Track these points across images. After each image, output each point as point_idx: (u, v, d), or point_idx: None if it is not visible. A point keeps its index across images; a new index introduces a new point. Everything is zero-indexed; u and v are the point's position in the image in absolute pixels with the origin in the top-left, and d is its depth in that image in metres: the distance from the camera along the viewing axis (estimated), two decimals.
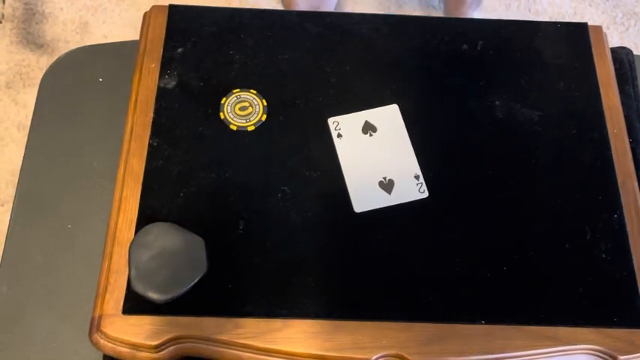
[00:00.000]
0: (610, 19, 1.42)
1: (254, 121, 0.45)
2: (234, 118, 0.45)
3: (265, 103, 0.45)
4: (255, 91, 0.45)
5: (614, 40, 1.39)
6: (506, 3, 1.42)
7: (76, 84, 0.51)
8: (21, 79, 1.29)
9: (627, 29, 1.40)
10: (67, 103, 0.50)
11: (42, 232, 0.46)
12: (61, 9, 1.35)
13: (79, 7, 1.35)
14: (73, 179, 0.47)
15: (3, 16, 1.35)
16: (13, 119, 1.23)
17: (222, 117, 0.45)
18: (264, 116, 0.45)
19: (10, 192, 1.08)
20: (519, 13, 1.42)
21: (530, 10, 1.43)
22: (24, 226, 0.46)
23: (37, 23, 1.35)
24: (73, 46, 1.33)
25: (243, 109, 0.45)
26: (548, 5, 1.43)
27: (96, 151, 0.48)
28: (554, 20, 1.43)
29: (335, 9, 1.14)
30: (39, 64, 1.32)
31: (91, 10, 1.36)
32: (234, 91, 0.45)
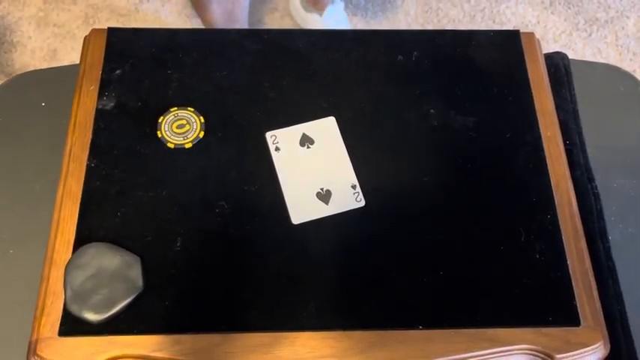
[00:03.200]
0: (572, 26, 1.45)
1: (191, 139, 0.45)
2: (172, 136, 0.45)
3: (203, 120, 0.46)
4: (192, 109, 0.46)
5: (577, 47, 1.42)
6: (470, 14, 1.45)
7: (19, 109, 0.51)
8: None
9: (590, 35, 1.43)
10: (9, 127, 0.51)
11: None
12: (30, 37, 1.36)
13: (47, 35, 1.36)
14: (15, 204, 0.47)
15: None
16: None
17: (159, 135, 0.45)
18: (202, 133, 0.46)
19: None
20: (484, 23, 1.45)
21: (494, 21, 1.45)
22: None
23: (5, 52, 1.35)
24: None
25: (180, 127, 0.45)
26: (512, 15, 1.46)
27: (38, 175, 0.48)
28: (517, 29, 1.45)
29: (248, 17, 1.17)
30: None
31: (59, 37, 1.37)
32: (172, 109, 0.46)
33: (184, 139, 0.45)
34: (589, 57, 1.39)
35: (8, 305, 0.44)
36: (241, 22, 1.15)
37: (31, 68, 1.33)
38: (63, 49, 1.35)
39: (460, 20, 1.44)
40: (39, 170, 0.49)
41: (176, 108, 0.46)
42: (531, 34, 0.52)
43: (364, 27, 1.40)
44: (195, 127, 0.46)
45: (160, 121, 0.45)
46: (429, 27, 1.40)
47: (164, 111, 0.46)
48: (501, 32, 0.52)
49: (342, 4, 1.27)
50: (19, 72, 1.34)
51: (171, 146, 0.45)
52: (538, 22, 1.44)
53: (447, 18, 1.44)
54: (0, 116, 0.51)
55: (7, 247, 0.46)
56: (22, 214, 0.47)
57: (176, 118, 0.46)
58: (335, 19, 1.25)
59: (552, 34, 1.43)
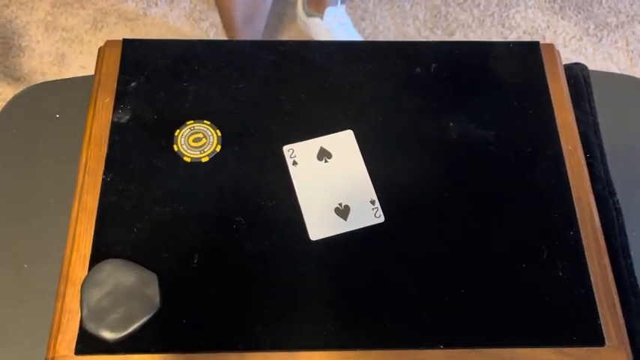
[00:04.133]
0: (583, 31, 1.44)
1: (208, 152, 0.45)
2: (188, 150, 0.45)
3: (219, 134, 0.45)
4: (208, 122, 0.45)
5: (588, 52, 1.41)
6: (479, 19, 1.44)
7: (33, 120, 0.51)
8: None
9: (600, 40, 1.42)
10: (23, 140, 0.50)
11: None
12: (38, 41, 1.36)
13: (55, 39, 1.36)
14: (30, 217, 0.47)
15: None
16: None
17: (175, 149, 0.45)
18: (219, 147, 0.45)
19: None
20: (493, 28, 1.44)
21: (503, 25, 1.44)
22: None
23: (13, 57, 1.35)
24: (50, 78, 1.34)
25: (197, 141, 0.45)
26: (522, 20, 1.45)
27: (52, 188, 0.48)
28: (527, 35, 1.44)
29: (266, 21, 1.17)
30: None
31: (68, 41, 1.36)
32: (188, 122, 0.45)
33: (201, 153, 0.45)
34: (599, 62, 1.38)
35: (22, 321, 0.44)
36: (259, 28, 1.15)
37: (39, 73, 1.33)
38: (71, 53, 1.34)
39: (469, 25, 1.43)
40: (53, 183, 0.48)
41: (192, 121, 0.45)
42: (551, 46, 0.51)
43: (372, 31, 1.39)
44: (211, 140, 0.45)
45: (176, 134, 0.45)
46: (439, 32, 1.39)
47: (180, 124, 0.46)
48: (521, 44, 0.51)
49: (343, 6, 1.26)
50: (28, 76, 1.34)
51: (188, 160, 0.45)
52: (548, 27, 1.43)
53: (456, 22, 1.43)
54: (14, 128, 0.51)
55: (21, 262, 0.45)
56: (36, 228, 0.47)
57: (192, 132, 0.45)
58: (337, 20, 1.25)
59: (562, 39, 1.42)
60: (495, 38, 1.42)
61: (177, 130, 0.45)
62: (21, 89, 1.43)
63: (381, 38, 1.36)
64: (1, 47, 1.37)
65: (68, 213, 0.45)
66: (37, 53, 1.35)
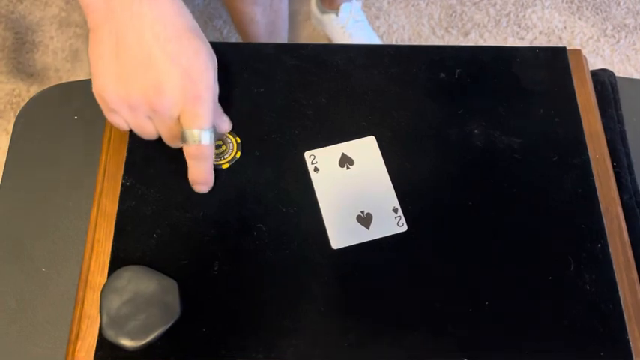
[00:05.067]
0: (600, 32, 1.42)
1: (228, 159, 0.44)
2: None
3: (239, 141, 0.45)
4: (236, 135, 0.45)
5: (605, 53, 1.39)
6: (495, 19, 1.42)
7: (52, 122, 0.51)
8: (12, 108, 1.29)
9: (618, 41, 1.40)
10: (41, 142, 0.50)
11: (15, 275, 0.45)
12: (52, 37, 1.36)
13: (69, 36, 1.36)
14: (48, 220, 0.47)
15: None
16: (4, 149, 1.22)
17: None
18: (239, 154, 0.44)
19: None
20: (509, 28, 1.42)
21: (520, 26, 1.43)
22: None
23: (27, 52, 1.35)
24: (63, 74, 1.34)
25: (216, 148, 0.44)
26: (538, 20, 1.43)
27: (71, 192, 0.47)
28: (543, 36, 1.42)
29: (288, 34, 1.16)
30: (29, 93, 1.32)
31: (81, 37, 1.36)
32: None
33: (221, 160, 0.44)
34: (617, 64, 1.36)
35: (40, 324, 0.44)
36: (282, 36, 1.14)
37: (53, 69, 1.33)
38: (85, 50, 1.34)
39: (485, 25, 1.41)
40: (72, 186, 0.48)
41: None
42: (578, 52, 0.50)
43: (386, 30, 1.38)
44: (231, 147, 0.44)
45: None
46: (454, 32, 1.38)
47: None
48: (547, 49, 0.50)
49: (358, 3, 1.25)
50: (41, 72, 1.34)
51: None
52: (565, 28, 1.42)
53: (472, 22, 1.41)
54: (32, 129, 0.50)
55: (39, 265, 0.45)
56: (54, 231, 0.46)
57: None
58: (352, 17, 1.24)
59: (579, 39, 1.40)
60: (511, 39, 1.41)
61: None
62: (34, 85, 1.43)
63: (395, 37, 1.35)
64: (14, 43, 1.37)
65: (87, 216, 0.45)
66: (51, 49, 1.35)
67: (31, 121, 0.51)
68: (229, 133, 0.44)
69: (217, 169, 0.44)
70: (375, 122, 0.46)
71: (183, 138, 0.41)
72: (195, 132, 0.40)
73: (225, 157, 0.44)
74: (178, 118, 0.40)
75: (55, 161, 0.49)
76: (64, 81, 1.25)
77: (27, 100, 1.34)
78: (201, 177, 0.42)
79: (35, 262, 0.45)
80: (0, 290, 0.44)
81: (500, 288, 0.41)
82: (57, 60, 1.35)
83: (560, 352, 0.39)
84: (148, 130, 0.42)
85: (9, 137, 1.27)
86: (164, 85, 0.39)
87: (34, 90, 1.30)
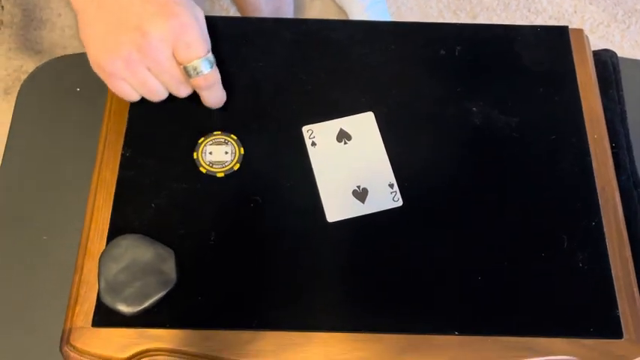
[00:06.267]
0: (611, 17, 1.40)
1: (225, 169, 0.43)
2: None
3: (242, 152, 0.44)
4: (235, 137, 0.44)
5: (615, 39, 1.38)
6: (504, 2, 1.41)
7: (54, 94, 0.51)
8: (20, 85, 1.30)
9: (628, 27, 1.38)
10: (44, 113, 0.51)
11: (17, 243, 0.46)
12: (59, 15, 1.36)
13: None
14: (49, 190, 0.47)
15: (2, 22, 1.36)
16: None
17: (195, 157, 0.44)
18: (237, 165, 0.44)
19: None
20: (518, 12, 1.41)
21: (529, 10, 1.41)
22: None
23: (35, 29, 1.36)
24: (70, 51, 1.34)
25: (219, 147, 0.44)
26: (548, 4, 1.42)
27: (72, 162, 0.48)
28: (553, 20, 1.41)
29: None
30: None
31: None
32: (216, 133, 0.44)
33: (222, 167, 0.43)
34: (627, 50, 1.35)
35: (40, 291, 0.45)
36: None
37: (60, 46, 1.34)
38: None
39: (494, 8, 1.40)
40: (73, 156, 0.48)
41: (219, 132, 0.44)
42: (580, 31, 0.50)
43: (395, 12, 1.37)
44: (232, 157, 0.44)
45: (200, 142, 0.44)
46: (462, 14, 1.37)
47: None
48: (548, 28, 0.50)
49: None
50: (49, 49, 1.34)
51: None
52: (575, 12, 1.40)
53: (481, 5, 1.40)
54: (35, 101, 0.51)
55: (40, 234, 0.46)
56: (55, 201, 0.47)
57: (214, 142, 0.44)
58: None
59: (590, 24, 1.39)
60: (520, 22, 1.39)
61: (202, 138, 0.44)
62: (41, 62, 1.43)
63: (402, 19, 1.34)
64: (22, 20, 1.37)
65: (87, 186, 0.45)
66: (58, 26, 1.35)
67: (34, 92, 0.51)
68: (234, 141, 0.44)
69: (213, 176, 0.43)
70: (373, 98, 0.46)
71: (187, 74, 0.41)
72: (195, 62, 0.41)
73: (225, 165, 0.43)
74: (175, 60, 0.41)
75: (57, 132, 0.50)
76: None
77: None
78: (216, 101, 0.44)
79: (36, 230, 0.46)
80: (1, 258, 0.45)
81: (492, 264, 0.41)
82: (64, 37, 1.35)
83: (551, 328, 0.39)
84: (152, 86, 0.42)
85: None
86: (146, 24, 0.39)
87: None
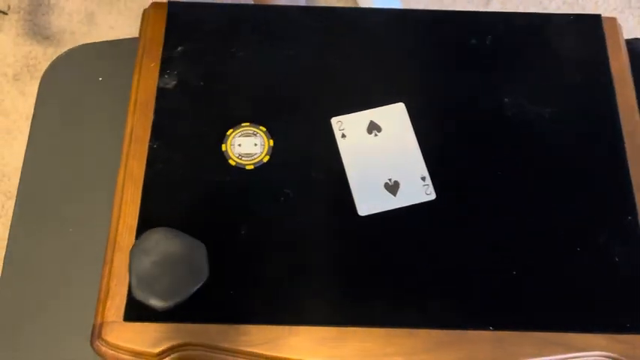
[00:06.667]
0: (625, 4, 1.38)
1: (254, 161, 0.43)
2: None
3: (272, 144, 0.43)
4: (264, 129, 0.44)
5: (629, 25, 1.36)
6: None
7: (76, 84, 0.50)
8: (28, 71, 1.29)
9: None
10: (67, 103, 0.50)
11: (43, 236, 0.45)
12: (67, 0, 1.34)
13: None
14: (75, 182, 0.47)
15: (9, 7, 1.34)
16: (21, 112, 1.23)
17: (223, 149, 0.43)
18: (271, 141, 0.43)
19: None
20: None
21: None
22: (25, 230, 0.45)
23: (43, 14, 1.34)
24: (79, 37, 1.33)
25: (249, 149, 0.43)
26: None
27: (97, 153, 0.47)
28: (567, 5, 1.39)
29: None
30: (45, 56, 1.32)
31: (97, 0, 1.35)
32: (244, 125, 0.44)
33: (252, 159, 0.43)
34: None
35: (67, 284, 0.44)
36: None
37: (68, 32, 1.32)
38: (100, 12, 1.33)
39: None
40: (97, 148, 0.48)
41: (248, 124, 0.44)
42: (613, 20, 0.49)
43: None
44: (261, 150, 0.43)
45: (228, 134, 0.43)
46: (475, 1, 1.34)
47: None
48: (581, 16, 0.49)
49: None
50: (57, 35, 1.33)
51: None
52: None
53: None
54: (56, 91, 0.50)
55: (67, 226, 0.45)
56: (82, 193, 0.46)
57: (243, 134, 0.43)
58: None
59: (603, 10, 1.37)
60: (533, 7, 1.37)
61: (231, 130, 0.43)
62: (50, 48, 1.42)
63: (412, 7, 1.32)
64: (30, 5, 1.35)
65: (112, 178, 0.45)
66: (66, 12, 1.33)
67: (54, 83, 0.51)
68: (264, 133, 0.43)
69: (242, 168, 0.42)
70: (404, 89, 0.46)
71: None
72: None
73: (254, 157, 0.43)
74: None
75: (80, 123, 0.49)
76: (80, 44, 1.25)
77: (43, 62, 1.33)
78: None
79: (63, 222, 0.46)
80: (28, 250, 0.45)
81: (528, 258, 0.40)
82: (72, 23, 1.34)
83: (586, 323, 0.39)
84: None
85: (26, 100, 1.27)
86: None
87: (51, 53, 1.29)
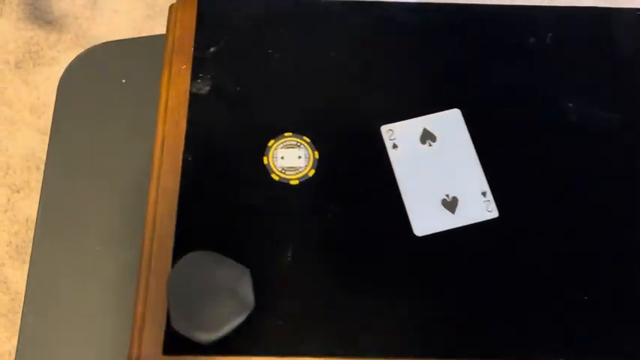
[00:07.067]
0: None
1: (299, 175, 0.39)
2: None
3: (317, 156, 0.40)
4: (308, 139, 0.40)
5: None
6: None
7: (98, 85, 0.46)
8: (30, 58, 1.24)
9: None
10: (88, 107, 0.46)
11: (68, 254, 0.42)
12: None
13: None
14: (99, 195, 0.43)
15: None
16: (24, 101, 1.18)
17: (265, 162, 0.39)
18: (312, 171, 0.39)
19: (25, 177, 1.05)
20: None
21: None
22: (48, 249, 0.42)
23: None
24: (82, 21, 1.27)
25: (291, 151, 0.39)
26: None
27: (122, 164, 0.44)
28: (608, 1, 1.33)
29: None
30: (48, 42, 1.27)
31: None
32: (287, 135, 0.40)
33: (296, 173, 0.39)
34: None
35: (94, 306, 0.41)
36: None
37: (71, 16, 1.27)
38: None
39: None
40: (124, 157, 0.44)
41: (291, 134, 0.40)
42: None
43: None
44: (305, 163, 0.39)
45: (270, 145, 0.40)
46: None
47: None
48: None
49: None
50: (59, 20, 1.27)
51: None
52: None
53: None
54: (77, 95, 0.46)
55: (93, 243, 0.42)
56: (107, 207, 0.43)
57: (286, 145, 0.40)
58: None
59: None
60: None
61: (272, 140, 0.40)
62: (52, 33, 1.36)
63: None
64: None
65: (140, 191, 0.41)
66: None
67: (75, 84, 0.47)
68: (308, 144, 0.39)
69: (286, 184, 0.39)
70: (459, 93, 0.42)
71: None
72: None
73: (299, 171, 0.39)
74: None
75: (104, 129, 0.45)
76: (83, 30, 1.19)
77: (45, 49, 1.28)
78: None
79: (88, 240, 0.42)
80: (52, 271, 0.41)
81: (599, 282, 0.37)
82: (75, 7, 1.28)
83: None
84: None
85: (30, 89, 1.22)
86: None
87: (53, 38, 1.24)
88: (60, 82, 0.46)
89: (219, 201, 0.39)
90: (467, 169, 0.40)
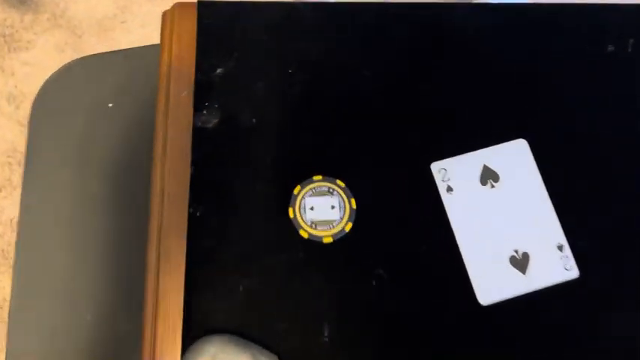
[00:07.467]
0: None
1: (333, 231, 0.31)
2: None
3: (354, 206, 0.32)
4: (343, 184, 0.32)
5: None
6: None
7: (75, 111, 0.38)
8: (5, 42, 1.13)
9: None
10: (65, 139, 0.38)
11: (54, 324, 0.34)
12: None
13: None
14: (87, 251, 0.36)
15: None
16: (1, 90, 1.09)
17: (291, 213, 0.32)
18: (349, 225, 0.32)
19: (6, 175, 0.96)
20: None
21: None
22: (33, 252, 0.35)
23: None
24: (60, 2, 1.16)
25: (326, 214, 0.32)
26: None
27: (109, 211, 0.36)
28: None
29: None
30: (23, 24, 1.16)
31: None
32: (316, 178, 0.32)
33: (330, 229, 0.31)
34: None
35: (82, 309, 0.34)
36: None
37: (54, 5, 1.15)
38: None
39: None
40: (110, 203, 0.36)
41: (321, 177, 0.32)
42: None
43: None
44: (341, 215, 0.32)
45: (295, 192, 0.32)
46: None
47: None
48: None
49: None
50: (42, 10, 1.16)
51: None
52: None
53: None
54: (51, 122, 0.38)
55: (83, 313, 0.35)
56: (100, 269, 0.35)
57: (315, 192, 0.32)
58: None
59: None
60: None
61: (298, 187, 0.32)
62: (28, 14, 1.25)
63: None
64: None
65: (126, 242, 0.34)
66: None
67: (48, 111, 0.38)
68: (342, 190, 0.32)
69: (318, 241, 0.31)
70: (525, 119, 0.34)
71: None
72: None
73: (333, 225, 0.31)
74: None
75: (83, 165, 0.37)
76: (61, 9, 1.09)
77: (21, 31, 1.17)
78: None
79: (77, 304, 0.35)
80: (37, 273, 0.34)
81: None
82: None
83: None
84: None
85: (6, 77, 1.12)
86: None
87: (28, 20, 1.13)
88: (33, 104, 0.38)
89: (237, 266, 0.31)
90: (538, 216, 0.32)
